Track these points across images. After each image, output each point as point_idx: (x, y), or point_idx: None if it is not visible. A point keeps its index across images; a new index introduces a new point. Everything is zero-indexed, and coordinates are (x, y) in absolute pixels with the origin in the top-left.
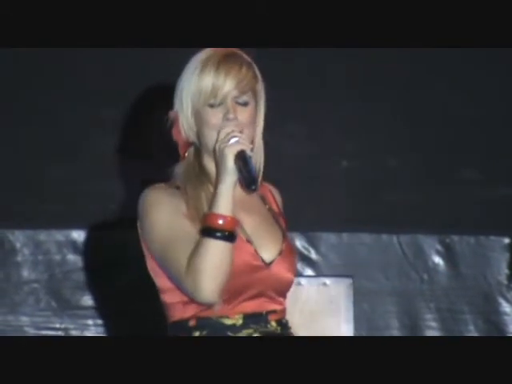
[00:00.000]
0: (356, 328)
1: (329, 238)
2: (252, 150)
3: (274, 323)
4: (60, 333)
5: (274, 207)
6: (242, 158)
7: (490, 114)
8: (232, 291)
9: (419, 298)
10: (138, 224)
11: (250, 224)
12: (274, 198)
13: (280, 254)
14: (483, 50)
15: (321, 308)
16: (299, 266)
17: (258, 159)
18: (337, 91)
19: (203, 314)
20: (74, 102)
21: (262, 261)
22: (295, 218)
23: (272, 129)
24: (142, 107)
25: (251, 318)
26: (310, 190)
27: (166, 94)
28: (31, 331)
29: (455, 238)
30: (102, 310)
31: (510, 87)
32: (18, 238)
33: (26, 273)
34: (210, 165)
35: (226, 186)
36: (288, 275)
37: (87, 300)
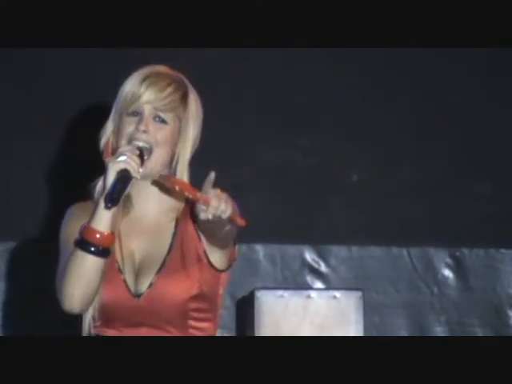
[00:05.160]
0: None
1: (339, 250)
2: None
3: None
4: None
5: (186, 231)
6: (121, 177)
7: (502, 128)
8: (105, 317)
9: (429, 311)
10: None
11: (140, 253)
12: (191, 217)
13: (149, 287)
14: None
15: (331, 321)
16: (309, 278)
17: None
18: (348, 104)
19: (94, 331)
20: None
21: (130, 292)
22: (305, 230)
23: (283, 141)
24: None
25: None
26: (321, 203)
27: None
28: None
29: (465, 250)
30: None
31: None
32: None
33: None
34: None
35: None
36: (163, 307)
37: None
